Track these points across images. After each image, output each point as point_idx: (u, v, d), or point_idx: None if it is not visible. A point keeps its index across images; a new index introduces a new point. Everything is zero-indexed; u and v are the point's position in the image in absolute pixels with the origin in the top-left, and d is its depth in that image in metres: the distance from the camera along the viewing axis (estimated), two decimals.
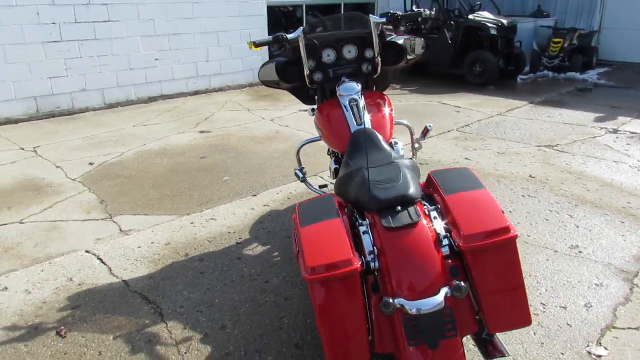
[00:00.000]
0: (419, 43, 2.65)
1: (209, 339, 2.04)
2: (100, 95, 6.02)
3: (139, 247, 2.77)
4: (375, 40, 2.53)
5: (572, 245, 2.77)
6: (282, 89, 2.76)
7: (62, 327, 2.10)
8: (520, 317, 1.58)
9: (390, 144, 2.55)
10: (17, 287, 2.39)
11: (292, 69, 2.63)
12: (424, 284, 1.54)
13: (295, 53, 2.58)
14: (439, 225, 1.67)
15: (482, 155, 4.28)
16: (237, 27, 7.06)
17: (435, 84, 7.66)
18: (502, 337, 1.72)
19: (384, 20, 2.48)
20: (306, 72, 2.57)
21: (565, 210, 3.20)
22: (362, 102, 2.44)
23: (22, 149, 4.54)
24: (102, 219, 3.13)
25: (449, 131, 5.05)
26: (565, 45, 7.94)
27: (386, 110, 2.47)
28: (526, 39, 8.13)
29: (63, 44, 5.57)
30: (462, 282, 1.52)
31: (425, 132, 2.87)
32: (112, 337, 2.05)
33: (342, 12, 8.67)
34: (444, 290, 1.52)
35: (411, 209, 1.67)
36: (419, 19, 2.60)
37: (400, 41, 2.60)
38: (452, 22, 7.49)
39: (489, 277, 1.57)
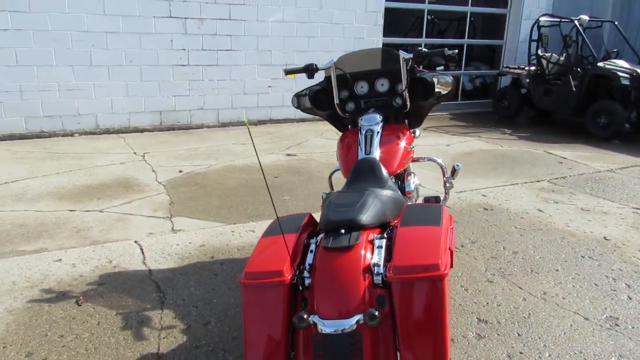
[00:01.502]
0: (446, 80, 2.63)
1: (189, 331, 2.23)
2: (216, 114, 6.74)
3: (177, 244, 3.10)
4: (404, 75, 2.58)
5: (610, 316, 2.45)
6: (319, 116, 2.91)
7: (81, 297, 2.46)
8: (437, 357, 1.51)
9: (398, 176, 2.55)
10: (68, 261, 2.84)
11: (325, 98, 2.78)
12: (341, 306, 1.55)
13: (329, 83, 2.74)
14: (379, 255, 1.67)
15: (560, 209, 3.93)
16: None
17: (552, 132, 7.15)
18: None
19: (411, 56, 2.53)
20: (336, 101, 2.70)
21: (625, 278, 2.83)
22: (377, 133, 2.50)
23: (135, 153, 5.29)
24: (162, 218, 3.54)
25: (538, 181, 4.71)
26: None
27: (401, 143, 2.49)
28: None
29: (189, 68, 6.39)
30: (376, 310, 1.51)
31: (453, 171, 2.81)
32: (115, 313, 2.34)
33: (468, 20, 8.55)
34: (359, 316, 1.52)
35: (354, 234, 1.69)
36: (444, 57, 2.56)
37: (430, 78, 2.61)
38: (578, 69, 6.99)
39: (409, 312, 1.53)
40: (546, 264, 2.99)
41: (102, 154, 5.19)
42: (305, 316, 1.54)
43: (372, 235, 1.74)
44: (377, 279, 1.61)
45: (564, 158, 5.64)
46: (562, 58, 7.53)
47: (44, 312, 2.33)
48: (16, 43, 5.47)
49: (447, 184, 2.89)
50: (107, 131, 6.15)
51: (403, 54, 2.55)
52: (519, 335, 2.28)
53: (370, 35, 7.41)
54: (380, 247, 1.71)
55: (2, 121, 5.63)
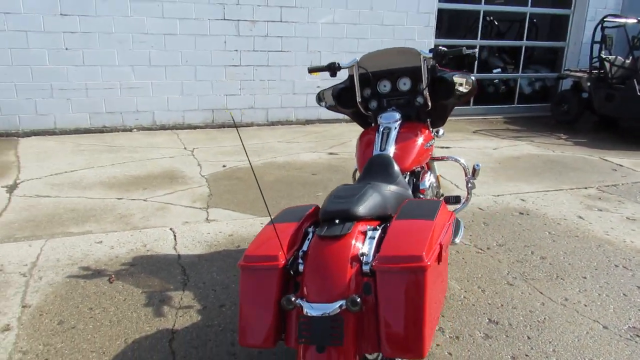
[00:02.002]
0: (466, 80, 2.61)
1: (204, 311, 2.37)
2: (265, 113, 6.95)
3: (208, 233, 3.27)
4: (425, 74, 2.60)
5: (633, 327, 2.36)
6: (343, 114, 2.99)
7: (113, 276, 2.67)
8: (414, 347, 1.55)
9: (414, 173, 2.57)
10: (108, 243, 3.09)
11: (349, 96, 2.85)
12: (326, 291, 1.62)
13: (353, 81, 2.80)
14: (370, 245, 1.73)
15: (603, 217, 3.76)
16: None
17: (613, 138, 6.79)
18: None
19: (430, 55, 2.55)
20: (358, 99, 2.77)
21: None
22: (394, 131, 2.54)
23: (185, 148, 5.58)
24: (199, 208, 3.74)
25: (585, 188, 4.52)
26: None
27: (417, 141, 2.51)
28: None
29: (240, 68, 6.64)
30: (359, 297, 1.57)
31: (473, 171, 2.80)
32: (140, 291, 2.53)
33: (527, 22, 8.28)
34: (342, 302, 1.59)
35: (347, 224, 1.76)
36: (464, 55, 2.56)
37: (451, 77, 2.61)
38: None
39: (390, 301, 1.57)
40: (574, 271, 2.90)
41: (155, 148, 5.52)
42: (292, 299, 1.62)
43: (366, 226, 1.79)
44: (365, 268, 1.66)
45: (620, 165, 5.36)
46: (627, 61, 7.14)
47: (79, 287, 2.56)
48: (84, 44, 5.93)
49: (469, 184, 2.88)
50: (163, 127, 6.52)
51: (423, 53, 2.58)
52: (528, 338, 2.24)
53: (421, 37, 7.36)
54: (372, 238, 1.76)
55: (70, 116, 6.11)
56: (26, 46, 5.73)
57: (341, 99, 2.87)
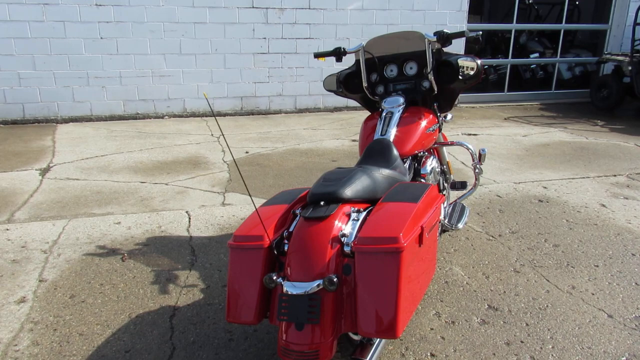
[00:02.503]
0: (472, 64, 2.57)
1: (207, 290, 2.46)
2: (293, 100, 7.00)
3: (222, 216, 3.37)
4: (429, 57, 2.58)
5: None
6: (351, 99, 2.99)
7: (126, 255, 2.80)
8: (387, 327, 1.57)
9: (417, 157, 2.55)
10: (125, 224, 3.23)
11: (356, 81, 2.85)
12: (306, 271, 1.66)
13: (359, 66, 2.80)
14: (353, 226, 1.75)
15: (628, 206, 3.62)
16: None
17: None
18: None
19: (435, 38, 2.52)
20: (364, 84, 2.78)
21: None
22: (397, 115, 2.54)
23: (212, 135, 5.71)
24: (217, 192, 3.85)
25: (614, 175, 4.35)
26: None
27: (420, 126, 2.50)
28: None
29: (269, 56, 6.71)
30: (336, 277, 1.60)
31: (479, 156, 2.75)
32: (150, 270, 2.65)
33: (567, 4, 7.97)
34: (320, 281, 1.62)
35: (332, 206, 1.79)
36: (467, 38, 2.52)
37: (455, 60, 2.57)
38: None
39: (366, 281, 1.60)
40: (587, 259, 2.82)
41: (183, 135, 5.68)
42: (274, 277, 1.67)
43: (350, 208, 1.81)
44: (347, 249, 1.69)
45: None
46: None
47: (93, 264, 2.70)
48: (118, 34, 6.14)
49: (477, 170, 2.84)
50: (193, 114, 6.69)
51: (428, 36, 2.55)
52: (526, 325, 2.21)
53: (453, 22, 7.21)
54: (356, 220, 1.79)
55: (105, 103, 6.36)
56: (64, 36, 5.99)
57: (348, 84, 2.87)
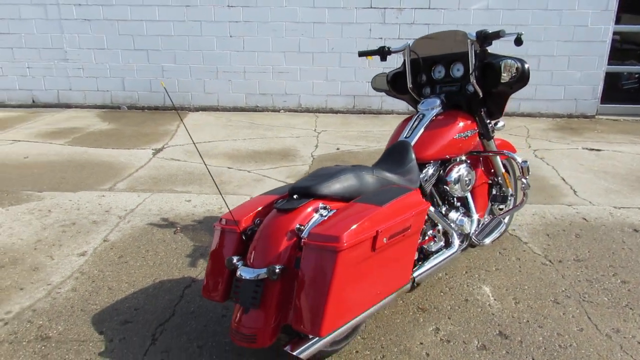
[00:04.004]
0: (511, 65, 2.33)
1: None
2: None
3: None
4: (471, 59, 2.42)
5: (615, 329, 1.91)
6: (400, 99, 2.93)
7: (179, 228, 3.11)
8: (312, 324, 1.57)
9: (444, 163, 2.41)
10: (194, 202, 3.57)
11: (405, 81, 2.78)
12: (259, 258, 1.74)
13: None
14: (314, 222, 1.76)
15: None
16: (566, 53, 6.58)
17: None
18: None
19: (474, 38, 2.36)
20: (409, 85, 2.70)
21: None
22: (427, 118, 2.44)
23: (315, 130, 5.93)
24: (287, 183, 4.02)
25: None
26: None
27: (449, 131, 2.36)
28: None
29: None
30: (278, 268, 1.64)
31: (522, 170, 2.50)
32: (191, 244, 2.92)
33: None
34: (265, 269, 1.68)
35: (301, 200, 1.83)
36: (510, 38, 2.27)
37: (498, 62, 2.37)
38: None
39: (305, 275, 1.62)
40: None
41: (289, 128, 5.99)
42: (234, 260, 1.77)
43: (320, 204, 1.82)
44: (301, 243, 1.72)
45: None
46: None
47: (149, 233, 3.06)
48: (245, 32, 6.69)
49: (522, 185, 2.58)
50: (307, 110, 6.99)
51: (470, 36, 2.39)
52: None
53: (596, 23, 6.42)
54: (323, 216, 1.80)
55: (229, 96, 6.99)
56: (200, 34, 6.72)
57: (396, 85, 2.81)
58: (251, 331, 1.67)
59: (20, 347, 2.00)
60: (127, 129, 5.87)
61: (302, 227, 1.74)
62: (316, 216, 1.79)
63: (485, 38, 2.30)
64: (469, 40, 2.40)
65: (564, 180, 4.17)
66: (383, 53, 2.73)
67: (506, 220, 3.00)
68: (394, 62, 6.31)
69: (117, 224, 3.17)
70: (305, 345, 1.63)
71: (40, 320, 2.18)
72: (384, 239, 1.69)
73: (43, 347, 2.01)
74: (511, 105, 6.82)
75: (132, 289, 2.44)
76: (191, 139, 2.88)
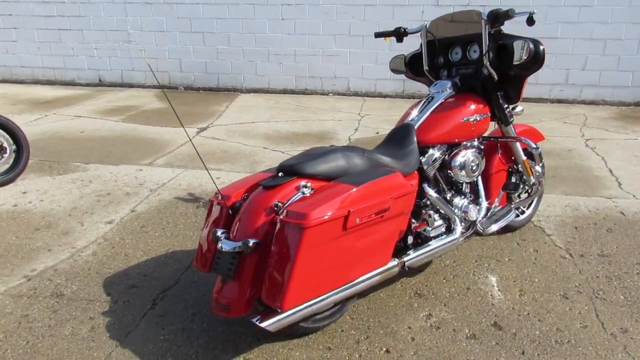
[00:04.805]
0: (523, 46, 2.20)
1: None
2: None
3: None
4: (485, 39, 2.32)
5: (623, 329, 1.77)
6: (418, 82, 2.86)
7: (201, 204, 3.25)
8: (276, 298, 1.61)
9: (451, 147, 2.34)
10: (222, 179, 3.70)
11: (422, 63, 2.71)
12: (239, 232, 1.79)
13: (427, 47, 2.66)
14: (294, 198, 1.79)
15: None
16: (635, 36, 6.08)
17: None
18: None
19: (486, 17, 2.26)
20: (425, 67, 2.64)
21: None
22: (436, 101, 2.38)
23: (358, 114, 5.90)
24: None
25: None
26: None
27: (455, 114, 2.30)
28: None
29: None
30: (252, 241, 1.69)
31: (534, 157, 2.39)
32: None
33: None
34: (240, 243, 1.73)
35: (285, 178, 1.86)
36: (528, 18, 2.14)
37: (511, 43, 2.25)
38: None
39: (276, 250, 1.66)
40: None
41: (333, 112, 6.00)
42: (218, 233, 1.84)
43: (302, 183, 1.85)
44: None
45: None
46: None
47: (174, 206, 3.22)
48: (296, 15, 6.73)
49: (537, 173, 2.45)
50: (355, 94, 6.96)
51: (484, 16, 2.29)
52: (522, 353, 1.91)
53: None
54: (303, 194, 1.82)
55: (280, 78, 7.09)
56: (253, 17, 6.85)
57: (415, 67, 2.75)
58: (226, 301, 1.73)
59: (36, 302, 2.20)
60: (179, 109, 6.13)
61: (281, 204, 1.77)
62: (297, 194, 1.81)
63: (496, 17, 2.20)
64: (483, 21, 2.30)
65: (611, 171, 3.90)
66: (399, 34, 2.68)
67: (528, 210, 2.88)
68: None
69: (146, 197, 3.36)
70: (273, 319, 1.67)
71: (58, 279, 2.38)
72: (357, 219, 1.69)
73: (55, 303, 2.19)
74: (572, 91, 6.42)
75: (146, 257, 2.59)
76: (179, 121, 2.96)
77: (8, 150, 3.54)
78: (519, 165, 2.69)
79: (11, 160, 3.59)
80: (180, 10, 7.00)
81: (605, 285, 2.36)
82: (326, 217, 1.61)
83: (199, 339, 1.98)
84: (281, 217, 1.66)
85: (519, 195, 2.76)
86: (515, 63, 2.25)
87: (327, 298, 1.72)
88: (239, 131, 5.08)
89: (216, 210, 1.97)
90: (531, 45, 2.20)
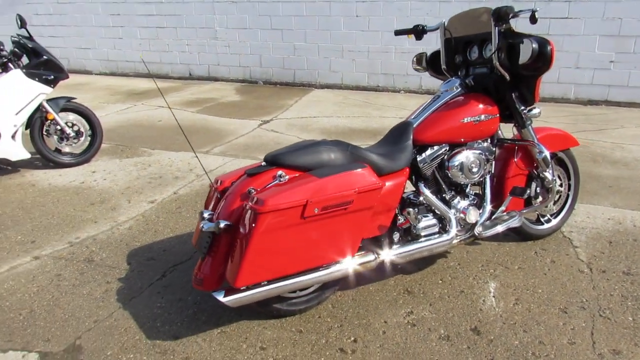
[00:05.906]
0: (527, 46, 2.10)
1: None
2: None
3: None
4: (494, 38, 2.27)
5: (615, 350, 1.64)
6: (440, 80, 2.83)
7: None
8: (232, 275, 1.76)
9: (452, 148, 2.31)
10: None
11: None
12: (220, 214, 1.96)
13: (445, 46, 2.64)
14: (267, 186, 1.92)
15: None
16: None
17: None
18: None
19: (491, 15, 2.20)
20: (442, 66, 2.63)
21: None
22: (440, 100, 2.38)
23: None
24: None
25: None
26: None
27: (457, 114, 2.27)
28: None
29: None
30: (223, 223, 1.86)
31: (538, 162, 2.28)
32: None
33: None
34: (214, 224, 1.90)
35: (265, 167, 2.00)
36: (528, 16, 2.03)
37: (519, 43, 2.17)
38: None
39: (238, 233, 1.80)
40: None
41: (399, 109, 5.98)
42: (204, 215, 2.03)
43: (279, 172, 1.97)
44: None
45: None
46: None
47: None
48: (370, 12, 6.78)
49: (545, 180, 2.34)
50: (427, 92, 6.85)
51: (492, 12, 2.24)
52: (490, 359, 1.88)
53: None
54: (280, 183, 1.95)
55: (353, 75, 7.18)
56: (328, 14, 7.01)
57: (436, 65, 2.73)
58: (201, 275, 1.91)
59: (70, 264, 2.55)
60: (252, 102, 6.47)
61: (254, 190, 1.90)
62: (272, 182, 1.94)
63: (499, 15, 2.14)
64: (492, 18, 2.24)
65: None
66: (418, 32, 2.67)
67: (555, 219, 2.73)
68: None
69: (191, 181, 3.67)
70: (233, 296, 1.82)
71: (93, 247, 2.72)
72: (315, 209, 1.77)
73: (84, 267, 2.52)
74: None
75: (172, 234, 2.86)
76: (173, 115, 3.16)
77: (84, 135, 4.04)
78: (540, 171, 2.57)
79: (87, 143, 4.09)
80: (261, 8, 7.36)
81: (616, 304, 2.20)
82: (282, 205, 1.72)
83: (189, 309, 2.19)
84: (250, 203, 1.79)
85: (539, 202, 2.64)
86: (520, 63, 2.17)
87: (285, 281, 1.83)
88: (299, 125, 5.27)
89: (209, 194, 2.17)
90: (534, 45, 2.11)
